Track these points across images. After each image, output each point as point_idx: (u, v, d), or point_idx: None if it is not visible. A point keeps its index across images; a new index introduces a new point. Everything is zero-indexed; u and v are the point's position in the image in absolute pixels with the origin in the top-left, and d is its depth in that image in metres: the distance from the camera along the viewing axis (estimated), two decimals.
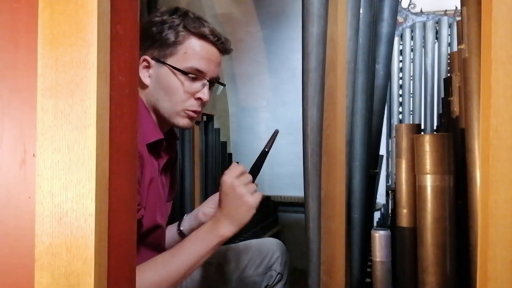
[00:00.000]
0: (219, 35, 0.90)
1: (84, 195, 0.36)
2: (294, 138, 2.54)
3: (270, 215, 2.36)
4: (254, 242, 1.22)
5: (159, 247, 0.95)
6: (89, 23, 0.37)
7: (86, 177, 0.36)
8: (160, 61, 0.88)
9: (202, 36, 0.88)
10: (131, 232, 0.43)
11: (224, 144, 2.08)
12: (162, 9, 0.92)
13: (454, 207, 0.56)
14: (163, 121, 0.92)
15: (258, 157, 0.89)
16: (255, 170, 0.88)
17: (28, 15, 0.39)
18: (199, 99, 0.90)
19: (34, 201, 0.37)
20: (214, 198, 1.02)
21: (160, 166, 0.94)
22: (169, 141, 0.96)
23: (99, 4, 0.37)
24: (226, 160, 2.07)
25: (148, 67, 0.89)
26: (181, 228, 1.06)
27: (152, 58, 0.88)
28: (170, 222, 1.08)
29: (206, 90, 0.90)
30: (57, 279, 0.37)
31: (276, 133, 0.89)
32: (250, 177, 0.85)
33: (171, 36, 0.87)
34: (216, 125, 2.02)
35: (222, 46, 0.91)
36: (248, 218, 0.81)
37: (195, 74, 0.88)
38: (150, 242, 0.90)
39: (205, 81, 0.90)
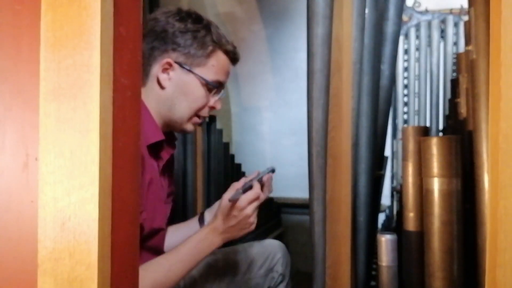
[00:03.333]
0: (237, 51, 0.97)
1: (87, 200, 0.36)
2: (297, 138, 2.53)
3: (273, 217, 2.34)
4: (255, 243, 1.22)
5: (159, 250, 0.95)
6: (92, 25, 0.36)
7: (89, 181, 0.36)
8: (187, 68, 0.90)
9: (226, 52, 0.94)
10: (134, 237, 0.42)
11: (226, 145, 2.06)
12: (179, 10, 0.92)
13: (461, 211, 0.55)
14: (167, 124, 0.93)
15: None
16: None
17: (30, 18, 0.39)
18: (212, 107, 0.96)
19: (36, 205, 0.37)
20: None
21: (160, 168, 0.93)
22: (168, 141, 0.96)
23: (102, 6, 0.36)
24: (228, 161, 2.06)
25: (168, 69, 0.90)
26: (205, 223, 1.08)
27: (175, 62, 0.89)
28: (170, 223, 1.07)
29: (219, 100, 0.97)
30: (60, 285, 0.36)
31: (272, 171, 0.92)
32: (259, 198, 0.89)
33: (201, 46, 0.90)
34: (218, 126, 2.00)
35: (236, 60, 0.98)
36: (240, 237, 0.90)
37: (218, 87, 0.95)
38: (151, 245, 0.90)
39: (221, 92, 0.97)
